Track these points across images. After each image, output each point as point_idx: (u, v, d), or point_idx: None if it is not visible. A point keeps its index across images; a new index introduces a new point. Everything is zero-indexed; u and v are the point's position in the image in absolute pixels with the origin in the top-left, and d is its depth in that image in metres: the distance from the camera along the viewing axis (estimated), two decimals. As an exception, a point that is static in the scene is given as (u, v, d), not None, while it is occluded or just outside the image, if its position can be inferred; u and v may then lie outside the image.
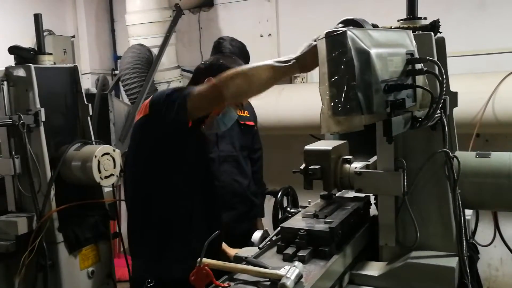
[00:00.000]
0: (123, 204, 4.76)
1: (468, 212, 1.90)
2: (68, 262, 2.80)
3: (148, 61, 4.58)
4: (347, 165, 1.89)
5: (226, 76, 1.80)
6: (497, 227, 1.97)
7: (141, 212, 2.15)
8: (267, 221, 2.93)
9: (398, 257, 1.72)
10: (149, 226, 2.12)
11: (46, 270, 2.68)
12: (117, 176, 2.89)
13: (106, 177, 2.81)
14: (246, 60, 2.79)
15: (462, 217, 1.67)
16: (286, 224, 1.76)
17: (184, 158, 2.06)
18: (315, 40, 1.61)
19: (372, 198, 2.02)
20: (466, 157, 1.75)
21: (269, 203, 2.99)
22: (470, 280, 1.63)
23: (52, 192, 2.72)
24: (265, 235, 1.89)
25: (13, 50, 2.82)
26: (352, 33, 1.30)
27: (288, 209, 2.10)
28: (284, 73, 1.70)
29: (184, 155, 2.05)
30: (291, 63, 1.67)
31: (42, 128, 2.72)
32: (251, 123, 2.94)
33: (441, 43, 1.76)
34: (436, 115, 1.54)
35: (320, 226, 1.70)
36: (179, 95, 1.91)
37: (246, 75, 1.76)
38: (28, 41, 3.75)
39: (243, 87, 1.79)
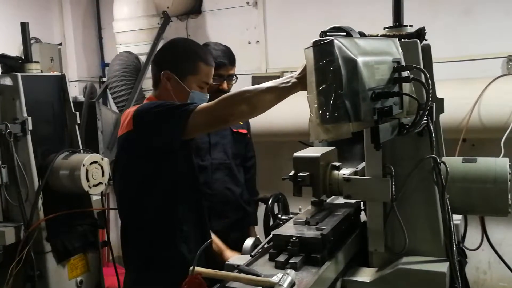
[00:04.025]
0: (111, 212, 4.75)
1: (458, 217, 1.92)
2: (56, 272, 2.78)
3: (136, 69, 4.57)
4: (336, 172, 1.90)
5: (229, 101, 1.81)
6: (484, 231, 1.99)
7: (129, 222, 2.16)
8: (257, 228, 2.93)
9: (389, 262, 1.73)
10: (138, 235, 2.12)
11: (34, 280, 2.65)
12: (105, 184, 2.87)
13: (95, 185, 2.79)
14: (231, 61, 2.79)
15: (451, 222, 1.69)
16: (278, 231, 1.76)
17: (171, 168, 2.06)
18: None
19: (362, 204, 2.03)
20: (453, 163, 1.77)
21: (259, 210, 2.99)
22: (460, 285, 1.65)
23: (40, 202, 2.70)
24: (256, 242, 1.89)
25: (-1, 59, 2.80)
26: (339, 42, 1.31)
27: (279, 216, 2.11)
28: (286, 93, 1.72)
29: (171, 166, 2.06)
30: (291, 83, 1.69)
31: (29, 137, 2.71)
32: (244, 131, 2.94)
33: (427, 50, 1.78)
34: (423, 122, 1.56)
35: (312, 233, 1.70)
36: (178, 116, 1.89)
37: (250, 100, 1.77)
38: (14, 50, 3.72)
39: (247, 111, 1.81)
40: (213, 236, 2.46)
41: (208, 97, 2.23)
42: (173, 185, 2.09)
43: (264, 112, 1.79)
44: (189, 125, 1.86)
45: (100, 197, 3.00)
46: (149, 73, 4.54)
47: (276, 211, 2.15)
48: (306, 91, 1.68)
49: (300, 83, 1.67)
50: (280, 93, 1.72)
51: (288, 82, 1.70)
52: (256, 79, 4.33)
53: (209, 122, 1.90)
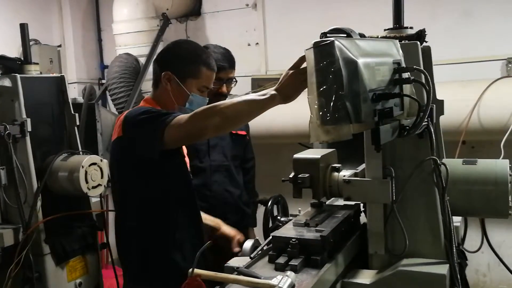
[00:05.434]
0: (110, 214, 4.74)
1: (458, 219, 1.91)
2: (55, 274, 2.77)
3: (135, 71, 4.57)
4: (336, 173, 1.89)
5: (202, 114, 1.78)
6: (484, 233, 1.98)
7: (124, 228, 2.16)
8: (257, 230, 2.93)
9: (389, 265, 1.73)
10: (132, 242, 2.12)
11: (33, 282, 2.64)
12: (104, 186, 2.86)
13: (94, 187, 2.78)
14: (231, 65, 2.78)
15: (451, 224, 1.68)
16: (278, 233, 1.75)
17: (161, 176, 2.05)
18: (290, 69, 1.64)
19: (362, 205, 2.02)
20: (453, 165, 1.76)
21: (259, 212, 2.99)
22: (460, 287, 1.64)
23: (39, 203, 2.69)
24: (256, 244, 1.89)
25: (-2, 60, 2.80)
26: (339, 43, 1.31)
27: (279, 217, 2.10)
28: (264, 106, 1.70)
29: (161, 174, 2.05)
30: (269, 95, 1.67)
31: (28, 139, 2.69)
32: (243, 132, 2.93)
33: (427, 52, 1.78)
34: (423, 123, 1.56)
35: (312, 234, 1.70)
36: (155, 127, 1.87)
37: (223, 113, 1.75)
38: (14, 51, 3.72)
39: (220, 124, 1.79)
40: (206, 215, 2.42)
41: (208, 100, 2.23)
42: (164, 192, 2.07)
43: (242, 125, 1.79)
44: (165, 138, 1.85)
45: (99, 199, 2.99)
46: (148, 75, 4.58)
47: (275, 213, 2.15)
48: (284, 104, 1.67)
49: (279, 95, 1.66)
50: (257, 105, 1.70)
51: (265, 94, 1.68)
52: (256, 81, 4.33)
53: (183, 137, 1.88)
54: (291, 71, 1.65)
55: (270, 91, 1.68)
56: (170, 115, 1.89)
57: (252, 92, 1.77)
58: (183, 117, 1.85)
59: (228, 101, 1.77)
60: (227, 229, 2.43)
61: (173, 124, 1.84)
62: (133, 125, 1.97)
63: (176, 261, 2.06)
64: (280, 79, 1.69)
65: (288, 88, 1.66)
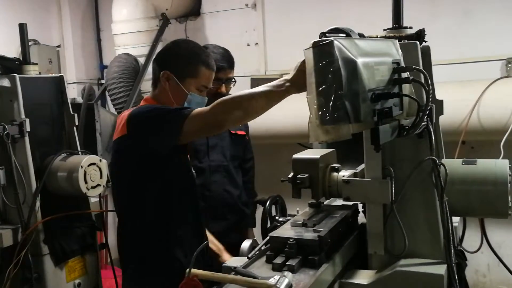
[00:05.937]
0: (110, 214, 4.74)
1: (456, 219, 1.91)
2: (54, 274, 2.77)
3: (134, 71, 4.56)
4: (335, 174, 1.89)
5: (223, 106, 1.80)
6: (484, 233, 1.98)
7: (125, 226, 2.15)
8: (256, 230, 2.92)
9: (387, 265, 1.72)
10: (133, 240, 2.11)
11: (32, 283, 2.64)
12: (104, 186, 2.86)
13: (93, 187, 2.78)
14: (230, 65, 2.78)
15: (450, 225, 1.68)
16: (275, 233, 1.75)
17: (165, 172, 2.05)
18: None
19: (360, 206, 2.02)
20: (453, 165, 1.76)
21: (257, 212, 2.98)
22: (458, 287, 1.64)
23: (38, 204, 2.69)
24: (254, 244, 1.88)
25: (-3, 60, 2.79)
26: (339, 42, 1.30)
27: (277, 218, 2.10)
28: (281, 97, 1.71)
29: (166, 171, 2.05)
30: (285, 87, 1.68)
31: (27, 139, 2.70)
32: (242, 132, 2.93)
33: (426, 51, 1.77)
34: (422, 123, 1.55)
35: (309, 234, 1.69)
36: (173, 121, 1.88)
37: (244, 105, 1.76)
38: (13, 51, 3.71)
39: (241, 116, 1.81)
40: (211, 237, 2.45)
41: (207, 100, 2.23)
42: (168, 189, 2.07)
43: (258, 116, 1.78)
44: (183, 130, 1.86)
45: (98, 199, 2.99)
46: (148, 74, 4.57)
47: (273, 213, 2.14)
48: (299, 93, 1.67)
49: (293, 86, 1.67)
50: (274, 97, 1.71)
51: (282, 86, 1.69)
52: (255, 81, 4.32)
53: (203, 128, 1.90)
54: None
55: (285, 82, 1.68)
56: (186, 109, 1.92)
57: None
58: (202, 109, 1.87)
59: (245, 92, 1.76)
60: (228, 258, 2.43)
61: (193, 116, 1.86)
62: (142, 122, 1.97)
63: (178, 258, 2.06)
64: (293, 69, 1.68)
65: (302, 79, 1.65)
